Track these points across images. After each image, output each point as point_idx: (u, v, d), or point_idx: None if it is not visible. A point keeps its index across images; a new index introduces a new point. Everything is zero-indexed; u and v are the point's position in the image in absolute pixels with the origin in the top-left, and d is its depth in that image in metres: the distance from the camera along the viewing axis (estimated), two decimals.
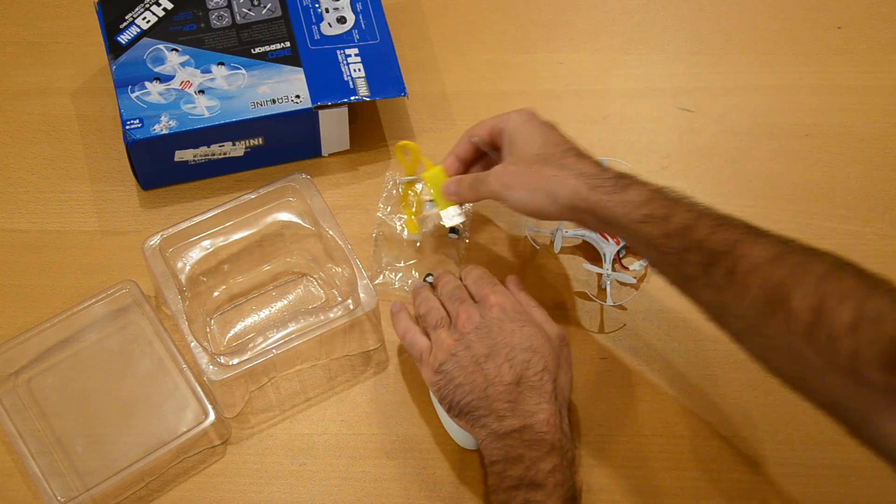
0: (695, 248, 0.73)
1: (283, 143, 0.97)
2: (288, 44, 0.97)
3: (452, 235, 0.95)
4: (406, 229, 0.94)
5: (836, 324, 0.64)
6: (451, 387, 0.80)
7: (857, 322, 0.63)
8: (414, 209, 0.94)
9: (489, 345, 0.80)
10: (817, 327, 0.65)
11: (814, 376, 0.67)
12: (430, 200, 0.91)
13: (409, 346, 0.85)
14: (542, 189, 0.80)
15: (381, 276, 0.93)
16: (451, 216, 0.90)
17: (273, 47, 0.96)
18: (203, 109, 0.93)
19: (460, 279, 0.88)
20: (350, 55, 0.97)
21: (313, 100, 0.94)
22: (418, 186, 0.95)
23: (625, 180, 0.78)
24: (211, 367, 0.82)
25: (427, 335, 0.84)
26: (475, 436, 0.80)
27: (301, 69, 0.95)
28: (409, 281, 0.93)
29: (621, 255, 0.94)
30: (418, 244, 0.95)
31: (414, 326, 0.86)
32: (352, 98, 0.95)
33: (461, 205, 0.90)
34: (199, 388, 0.85)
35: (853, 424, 0.67)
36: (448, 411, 0.81)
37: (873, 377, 0.62)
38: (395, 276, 0.93)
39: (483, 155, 0.89)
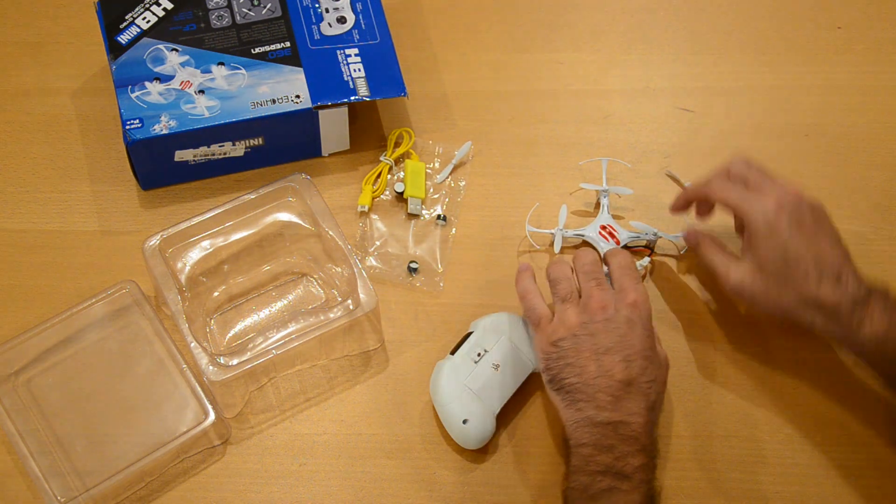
0: None
1: (283, 143, 0.97)
2: (288, 44, 0.97)
3: (440, 222, 0.96)
4: (360, 199, 0.97)
5: None
6: (561, 363, 0.80)
7: None
8: (376, 188, 0.97)
9: (613, 340, 0.79)
10: None
11: None
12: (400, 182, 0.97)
13: (527, 308, 0.85)
14: (780, 309, 0.81)
15: (370, 261, 0.94)
16: (416, 206, 0.96)
17: (273, 47, 0.96)
18: (203, 109, 0.93)
19: (604, 261, 0.87)
20: (350, 55, 0.97)
21: (313, 100, 0.94)
22: (401, 175, 0.98)
23: (860, 313, 0.78)
24: (211, 367, 0.82)
25: (550, 302, 0.84)
26: (568, 415, 0.79)
27: (301, 69, 0.95)
28: (393, 263, 0.94)
29: None
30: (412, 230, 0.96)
31: (535, 288, 0.86)
32: (352, 98, 0.95)
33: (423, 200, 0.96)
34: (198, 389, 0.85)
35: None
36: (548, 382, 0.81)
37: None
38: (382, 264, 0.94)
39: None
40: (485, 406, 0.84)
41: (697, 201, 0.89)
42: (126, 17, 0.97)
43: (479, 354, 0.85)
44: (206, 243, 0.90)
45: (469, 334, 0.87)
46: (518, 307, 0.88)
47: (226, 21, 0.98)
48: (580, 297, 0.83)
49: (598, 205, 0.97)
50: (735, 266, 0.83)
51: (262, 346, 0.84)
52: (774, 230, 0.80)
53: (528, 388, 0.87)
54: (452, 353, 0.86)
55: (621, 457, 0.76)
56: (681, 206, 0.90)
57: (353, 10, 0.99)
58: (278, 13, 0.98)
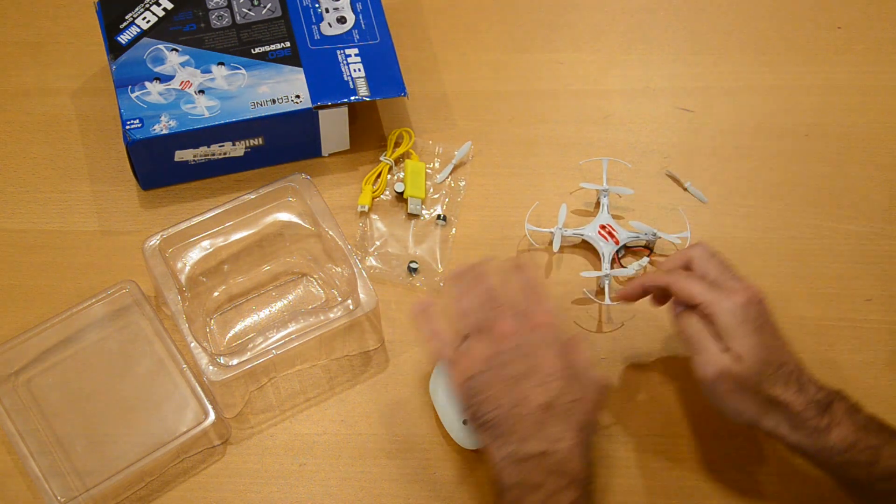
0: None
1: (283, 143, 0.97)
2: (288, 44, 0.97)
3: (440, 222, 0.95)
4: (360, 199, 0.97)
5: None
6: (478, 400, 0.76)
7: None
8: (376, 188, 0.97)
9: (526, 366, 0.76)
10: None
11: None
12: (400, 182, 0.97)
13: (435, 352, 0.81)
14: (743, 412, 0.78)
15: (370, 261, 0.94)
16: (416, 206, 0.95)
17: (273, 47, 0.96)
18: (203, 109, 0.93)
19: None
20: (350, 55, 0.97)
21: (313, 100, 0.94)
22: (401, 175, 0.98)
23: (826, 418, 0.75)
24: (211, 367, 0.82)
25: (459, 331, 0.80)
26: (493, 454, 0.75)
27: (301, 69, 0.95)
28: (393, 264, 0.94)
29: (620, 255, 0.94)
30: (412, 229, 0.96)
31: (437, 329, 0.81)
32: (352, 98, 0.95)
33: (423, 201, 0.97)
34: (198, 389, 0.85)
35: None
36: (471, 420, 0.77)
37: None
38: (383, 264, 0.94)
39: None
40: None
41: (655, 291, 0.84)
42: (126, 17, 0.97)
43: None
44: (206, 243, 0.90)
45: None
46: None
47: (226, 21, 0.98)
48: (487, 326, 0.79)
49: (597, 204, 0.97)
50: (719, 357, 0.77)
51: (262, 346, 0.84)
52: (745, 327, 0.76)
53: None
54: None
55: (552, 494, 0.72)
56: (635, 296, 0.85)
57: (353, 10, 0.99)
58: (278, 13, 0.98)
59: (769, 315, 0.78)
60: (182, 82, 0.94)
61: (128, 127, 0.92)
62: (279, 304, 0.92)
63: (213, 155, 0.96)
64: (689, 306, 0.79)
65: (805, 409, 0.76)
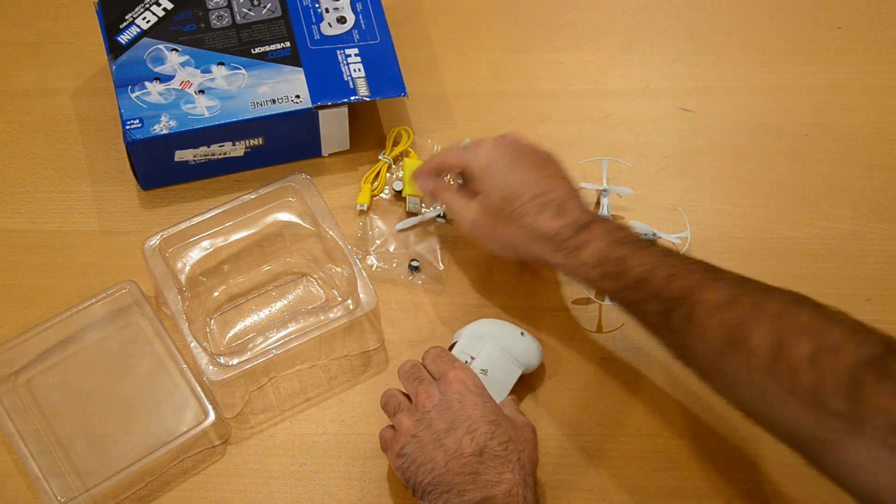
0: (652, 299, 0.76)
1: (283, 143, 0.97)
2: (288, 44, 0.97)
3: (441, 220, 0.96)
4: (359, 198, 0.97)
5: (796, 357, 0.66)
6: (413, 468, 0.76)
7: (816, 354, 0.66)
8: (375, 187, 0.97)
9: (450, 419, 0.76)
10: (778, 362, 0.67)
11: (777, 410, 0.69)
12: (399, 181, 0.97)
13: (382, 446, 0.81)
14: (509, 246, 0.85)
15: (369, 259, 0.94)
16: (414, 204, 0.96)
17: (273, 47, 0.96)
18: (203, 109, 0.93)
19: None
20: (350, 55, 0.97)
21: (313, 100, 0.94)
22: (399, 173, 0.98)
23: (582, 236, 0.80)
24: (211, 367, 0.82)
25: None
26: None
27: (301, 69, 0.95)
28: (394, 263, 0.94)
29: None
30: (405, 227, 0.96)
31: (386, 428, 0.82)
32: (352, 98, 0.95)
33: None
34: (198, 388, 0.85)
35: (816, 455, 0.68)
36: (413, 494, 0.77)
37: (834, 406, 0.64)
38: (383, 263, 0.94)
39: None
40: None
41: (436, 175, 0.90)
42: (126, 17, 0.97)
43: (466, 362, 0.84)
44: (206, 243, 0.90)
45: (453, 344, 0.87)
46: (511, 309, 0.89)
47: (226, 21, 0.98)
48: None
49: (598, 204, 0.97)
50: (467, 208, 0.85)
51: (262, 346, 0.84)
52: (491, 168, 0.84)
53: (517, 390, 0.86)
54: None
55: None
56: (429, 178, 0.90)
57: (353, 10, 0.99)
58: (278, 13, 0.98)
59: (526, 151, 0.85)
60: (182, 82, 0.94)
61: (128, 127, 0.92)
62: (279, 304, 0.92)
63: (213, 155, 0.96)
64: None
65: (560, 230, 0.80)
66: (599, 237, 0.79)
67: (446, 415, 0.76)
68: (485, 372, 0.84)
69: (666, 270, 0.75)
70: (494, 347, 0.85)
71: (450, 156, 0.88)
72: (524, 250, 0.84)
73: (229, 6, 0.98)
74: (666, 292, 0.75)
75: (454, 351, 0.85)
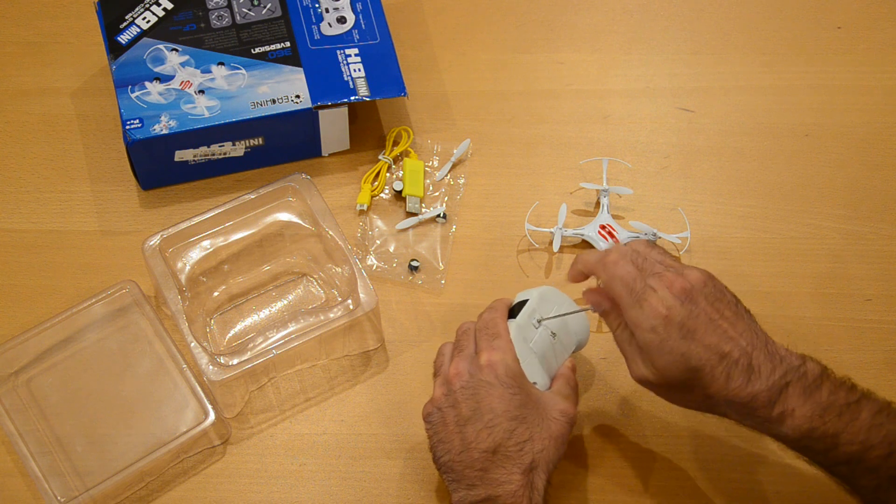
0: (866, 475, 0.71)
1: (283, 143, 0.97)
2: (288, 44, 0.97)
3: (441, 220, 0.96)
4: (359, 198, 0.97)
5: None
6: (434, 440, 0.78)
7: None
8: (375, 187, 0.97)
9: (473, 406, 0.76)
10: None
11: None
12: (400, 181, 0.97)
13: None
14: (690, 407, 0.75)
15: (369, 259, 0.94)
16: (414, 204, 0.96)
17: (273, 47, 0.96)
18: (203, 109, 0.93)
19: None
20: (350, 55, 0.97)
21: (313, 100, 0.94)
22: (399, 173, 0.98)
23: (779, 407, 0.70)
24: (211, 367, 0.82)
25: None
26: (451, 496, 0.76)
27: (301, 69, 0.95)
28: (394, 263, 0.93)
29: None
30: (407, 228, 0.96)
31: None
32: (352, 98, 0.95)
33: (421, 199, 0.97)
34: (199, 388, 0.85)
35: None
36: (434, 462, 0.78)
37: None
38: (383, 263, 0.94)
39: None
40: (545, 373, 0.81)
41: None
42: (126, 17, 0.97)
43: (538, 321, 0.82)
44: (206, 243, 0.90)
45: (523, 301, 0.83)
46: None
47: (226, 21, 0.98)
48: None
49: (597, 204, 0.97)
50: (637, 365, 0.74)
51: (262, 346, 0.84)
52: (665, 346, 0.71)
53: None
54: (511, 316, 0.83)
55: None
56: (579, 280, 0.80)
57: (353, 10, 0.99)
58: (278, 13, 0.98)
59: (704, 299, 0.72)
60: (182, 82, 0.94)
61: (128, 127, 0.92)
62: (279, 304, 0.92)
63: (213, 155, 0.96)
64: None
65: (752, 400, 0.70)
66: (798, 407, 0.70)
67: (470, 401, 0.76)
68: (554, 335, 0.82)
69: (884, 449, 0.70)
70: (559, 315, 0.83)
71: (615, 286, 0.74)
72: (705, 411, 0.75)
73: (229, 6, 0.98)
74: (885, 471, 0.70)
75: (523, 311, 0.82)
